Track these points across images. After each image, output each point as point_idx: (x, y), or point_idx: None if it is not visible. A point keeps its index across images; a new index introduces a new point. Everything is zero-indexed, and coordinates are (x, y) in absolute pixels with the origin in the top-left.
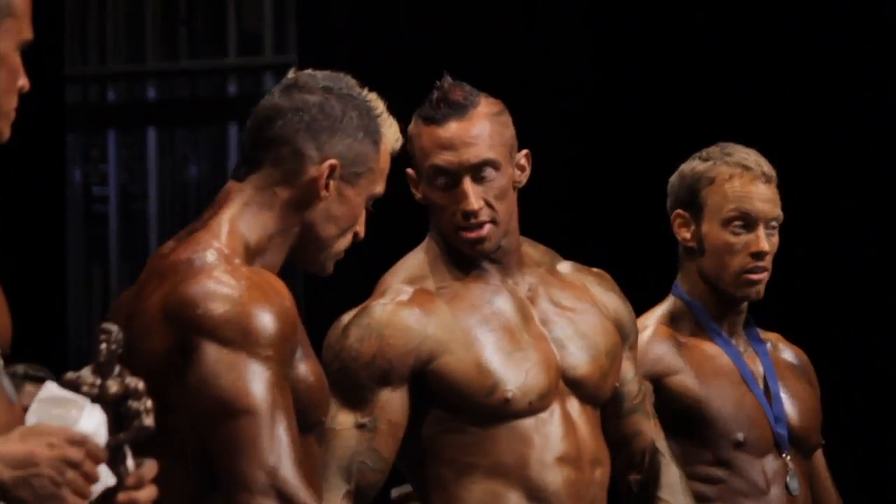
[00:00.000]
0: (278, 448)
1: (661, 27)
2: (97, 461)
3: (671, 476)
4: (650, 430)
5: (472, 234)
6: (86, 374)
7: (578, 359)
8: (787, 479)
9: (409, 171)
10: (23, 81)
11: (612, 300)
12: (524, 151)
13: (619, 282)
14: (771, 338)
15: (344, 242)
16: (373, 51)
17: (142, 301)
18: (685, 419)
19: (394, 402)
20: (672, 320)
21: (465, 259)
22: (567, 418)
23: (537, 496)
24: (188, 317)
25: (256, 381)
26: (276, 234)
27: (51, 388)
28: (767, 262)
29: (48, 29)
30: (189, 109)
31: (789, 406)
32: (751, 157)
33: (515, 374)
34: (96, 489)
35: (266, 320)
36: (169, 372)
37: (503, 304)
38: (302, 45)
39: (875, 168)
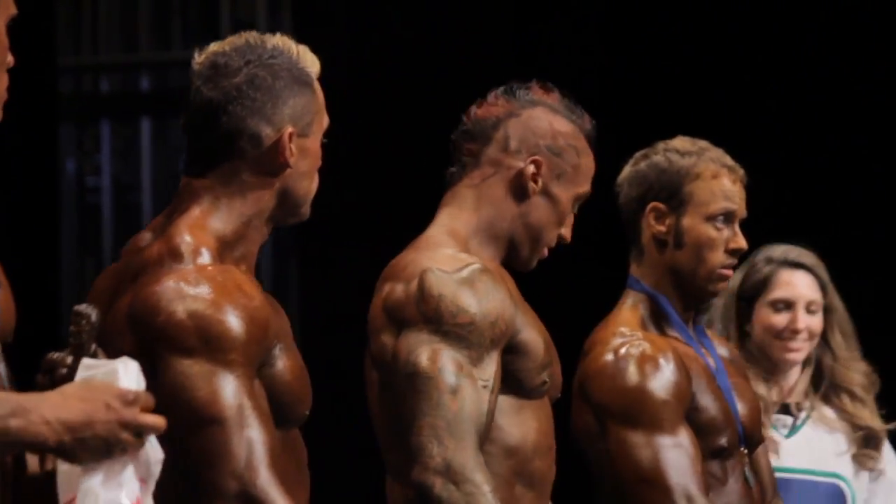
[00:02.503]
0: (249, 454)
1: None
2: (148, 410)
3: None
4: None
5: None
6: (63, 355)
7: None
8: (746, 471)
9: (538, 158)
10: (10, 58)
11: None
12: None
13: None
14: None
15: (315, 184)
16: (368, 39)
17: (116, 299)
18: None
19: (498, 366)
20: (641, 318)
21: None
22: (548, 410)
23: (529, 482)
24: (149, 326)
25: (222, 388)
26: (254, 217)
27: (86, 362)
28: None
29: (41, 19)
30: (183, 100)
31: (739, 402)
32: (727, 156)
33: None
34: (152, 462)
35: (228, 324)
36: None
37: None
38: (296, 34)
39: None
